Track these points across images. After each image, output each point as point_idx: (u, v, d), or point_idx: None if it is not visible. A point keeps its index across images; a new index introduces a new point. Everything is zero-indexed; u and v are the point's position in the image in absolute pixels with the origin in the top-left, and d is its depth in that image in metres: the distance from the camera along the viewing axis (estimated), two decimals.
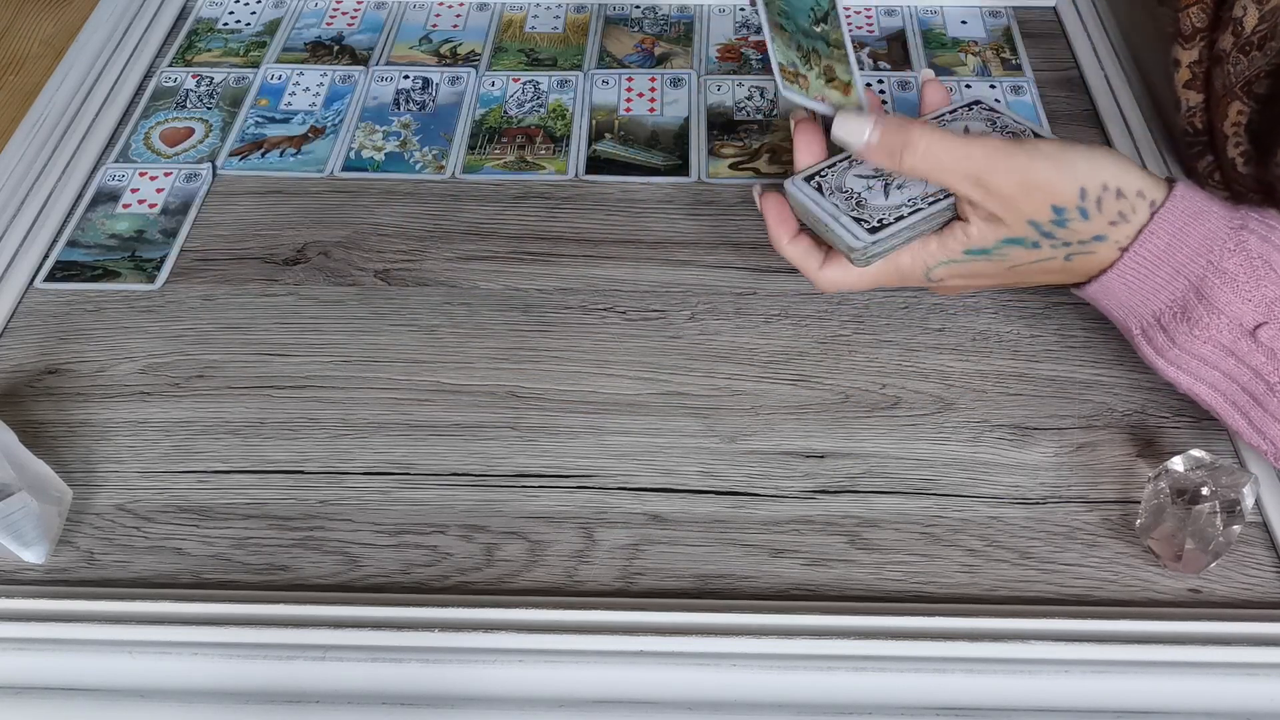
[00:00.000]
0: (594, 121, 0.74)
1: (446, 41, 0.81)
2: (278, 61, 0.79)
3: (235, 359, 0.60)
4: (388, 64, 0.79)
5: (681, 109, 0.75)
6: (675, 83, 0.77)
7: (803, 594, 0.50)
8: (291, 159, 0.72)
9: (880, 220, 0.51)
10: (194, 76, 0.78)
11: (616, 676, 0.47)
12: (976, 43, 0.80)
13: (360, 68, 0.78)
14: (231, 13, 0.84)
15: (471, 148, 0.72)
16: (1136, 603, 0.50)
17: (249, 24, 0.83)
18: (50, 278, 0.64)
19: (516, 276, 0.65)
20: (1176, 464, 0.50)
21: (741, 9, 0.83)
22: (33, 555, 0.50)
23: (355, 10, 0.84)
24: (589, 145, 0.72)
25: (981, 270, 0.53)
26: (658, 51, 0.80)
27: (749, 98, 0.75)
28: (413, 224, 0.68)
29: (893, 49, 0.79)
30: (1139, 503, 0.52)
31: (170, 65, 0.79)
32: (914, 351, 0.60)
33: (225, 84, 0.77)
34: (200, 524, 0.53)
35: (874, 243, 0.51)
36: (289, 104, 0.75)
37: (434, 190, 0.70)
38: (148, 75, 0.78)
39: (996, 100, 0.70)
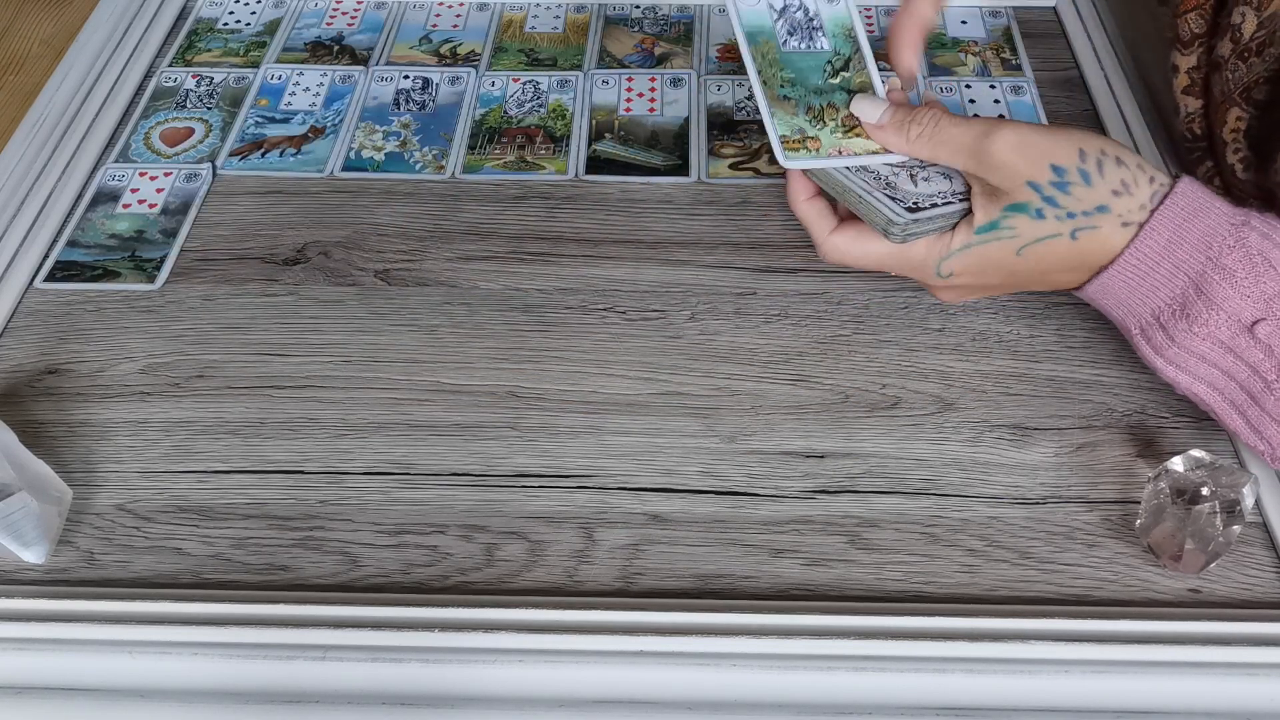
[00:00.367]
0: (594, 121, 0.74)
1: (446, 41, 0.81)
2: (278, 61, 0.79)
3: (235, 359, 0.60)
4: (388, 64, 0.79)
5: (681, 109, 0.75)
6: (675, 83, 0.77)
7: (803, 594, 0.50)
8: (291, 159, 0.72)
9: (916, 203, 0.52)
10: (194, 76, 0.78)
11: (616, 676, 0.47)
12: (976, 43, 0.80)
13: (360, 68, 0.78)
14: (231, 13, 0.84)
15: (471, 148, 0.72)
16: (1136, 603, 0.50)
17: (249, 24, 0.83)
18: (50, 278, 0.64)
19: (516, 276, 0.65)
20: (1176, 464, 0.50)
21: None
22: (33, 555, 0.50)
23: (355, 10, 0.84)
24: (589, 145, 0.72)
25: (991, 260, 0.52)
26: (658, 51, 0.80)
27: (749, 98, 0.75)
28: (413, 224, 0.68)
29: None
30: (1139, 503, 0.52)
31: (170, 65, 0.79)
32: (914, 351, 0.60)
33: (225, 84, 0.77)
34: (200, 524, 0.53)
35: (914, 220, 0.51)
36: (289, 104, 0.75)
37: (434, 190, 0.70)
38: (148, 75, 0.78)
39: (996, 103, 0.71)
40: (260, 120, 0.74)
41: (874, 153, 0.54)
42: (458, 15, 0.83)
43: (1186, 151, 0.67)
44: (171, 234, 0.67)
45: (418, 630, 0.48)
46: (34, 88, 0.78)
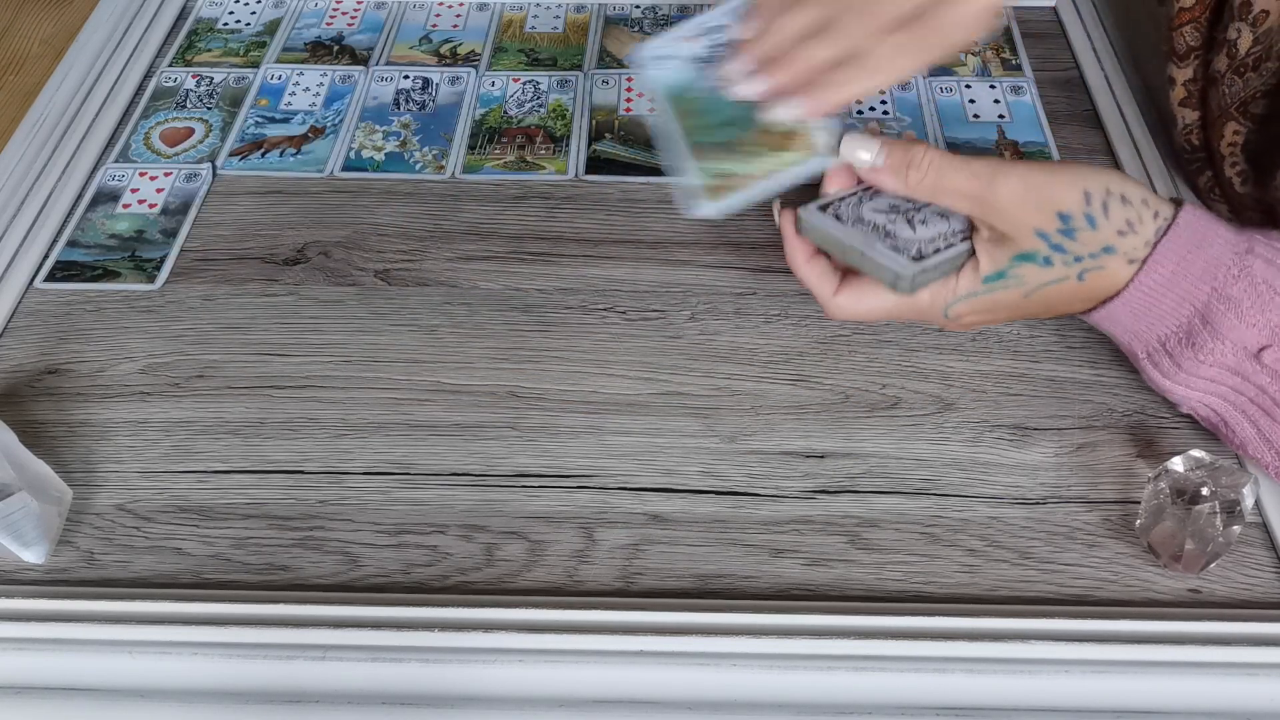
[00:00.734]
0: (594, 121, 0.74)
1: (446, 41, 0.81)
2: (278, 61, 0.79)
3: (235, 359, 0.60)
4: (388, 64, 0.79)
5: None
6: None
7: (803, 594, 0.50)
8: (291, 159, 0.72)
9: (920, 250, 0.51)
10: (194, 76, 0.78)
11: (616, 676, 0.47)
12: (976, 43, 0.80)
13: (360, 68, 0.78)
14: (231, 13, 0.84)
15: (471, 148, 0.72)
16: (1136, 603, 0.50)
17: (249, 24, 0.83)
18: (50, 278, 0.64)
19: (516, 276, 0.65)
20: (1176, 464, 0.50)
21: None
22: (33, 555, 0.50)
23: (355, 10, 0.84)
24: (589, 145, 0.72)
25: (999, 302, 0.52)
26: None
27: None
28: (413, 224, 0.68)
29: None
30: (1139, 503, 0.52)
31: (170, 65, 0.79)
32: (914, 351, 0.60)
33: (225, 84, 0.77)
34: (200, 524, 0.53)
35: (921, 271, 0.50)
36: (289, 104, 0.75)
37: (434, 190, 0.70)
38: (148, 75, 0.78)
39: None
40: (260, 120, 0.74)
41: (794, 165, 0.53)
42: (458, 15, 0.83)
43: (1186, 162, 0.67)
44: (171, 234, 0.67)
45: (418, 630, 0.48)
46: (34, 88, 0.78)
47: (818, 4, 0.53)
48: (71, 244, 0.66)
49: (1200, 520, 0.49)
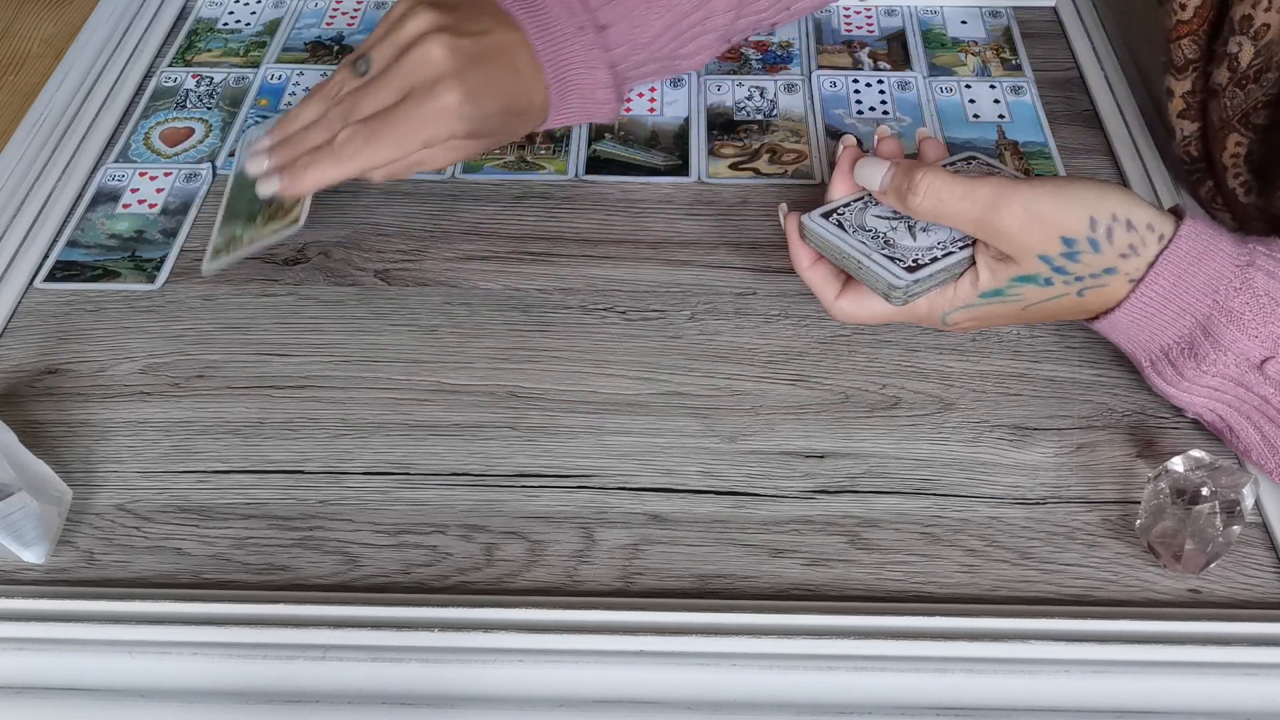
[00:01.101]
0: None
1: None
2: (278, 61, 0.79)
3: (235, 359, 0.60)
4: None
5: (681, 109, 0.75)
6: (675, 83, 0.77)
7: (802, 594, 0.50)
8: None
9: (916, 260, 0.52)
10: (194, 76, 0.78)
11: (616, 676, 0.47)
12: (976, 43, 0.80)
13: None
14: (231, 13, 0.84)
15: None
16: (1136, 603, 0.50)
17: (249, 24, 0.83)
18: (50, 278, 0.64)
19: (516, 276, 0.65)
20: (1176, 464, 0.50)
21: None
22: (33, 555, 0.50)
23: (355, 10, 0.84)
24: (589, 145, 0.72)
25: (997, 313, 0.53)
26: None
27: (749, 98, 0.75)
28: (413, 224, 0.68)
29: (893, 49, 0.79)
30: (1139, 503, 0.52)
31: (170, 65, 0.79)
32: (914, 351, 0.60)
33: (225, 84, 0.77)
34: (200, 524, 0.53)
35: (914, 282, 0.51)
36: (289, 104, 0.75)
37: (434, 190, 0.70)
38: (148, 75, 0.78)
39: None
40: (260, 120, 0.74)
41: (273, 234, 0.59)
42: None
43: (1187, 173, 0.67)
44: (171, 234, 0.67)
45: (418, 630, 0.48)
46: (34, 88, 0.78)
47: (321, 99, 0.60)
48: (71, 244, 0.66)
49: (1200, 520, 0.49)
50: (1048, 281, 0.50)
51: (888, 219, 0.54)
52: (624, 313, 0.62)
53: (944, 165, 0.56)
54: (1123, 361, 0.59)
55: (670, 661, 0.47)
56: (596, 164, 0.71)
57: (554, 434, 0.57)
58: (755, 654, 0.47)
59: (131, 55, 0.79)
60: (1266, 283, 0.48)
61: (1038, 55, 0.79)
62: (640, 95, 0.76)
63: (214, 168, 0.71)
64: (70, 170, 0.70)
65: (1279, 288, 0.48)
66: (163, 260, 0.65)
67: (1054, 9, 0.83)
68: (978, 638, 0.47)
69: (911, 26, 0.81)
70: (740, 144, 0.72)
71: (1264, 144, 0.62)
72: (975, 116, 0.74)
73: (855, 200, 0.55)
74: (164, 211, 0.68)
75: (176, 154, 0.72)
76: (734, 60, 0.79)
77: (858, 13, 0.82)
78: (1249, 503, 0.49)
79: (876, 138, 0.58)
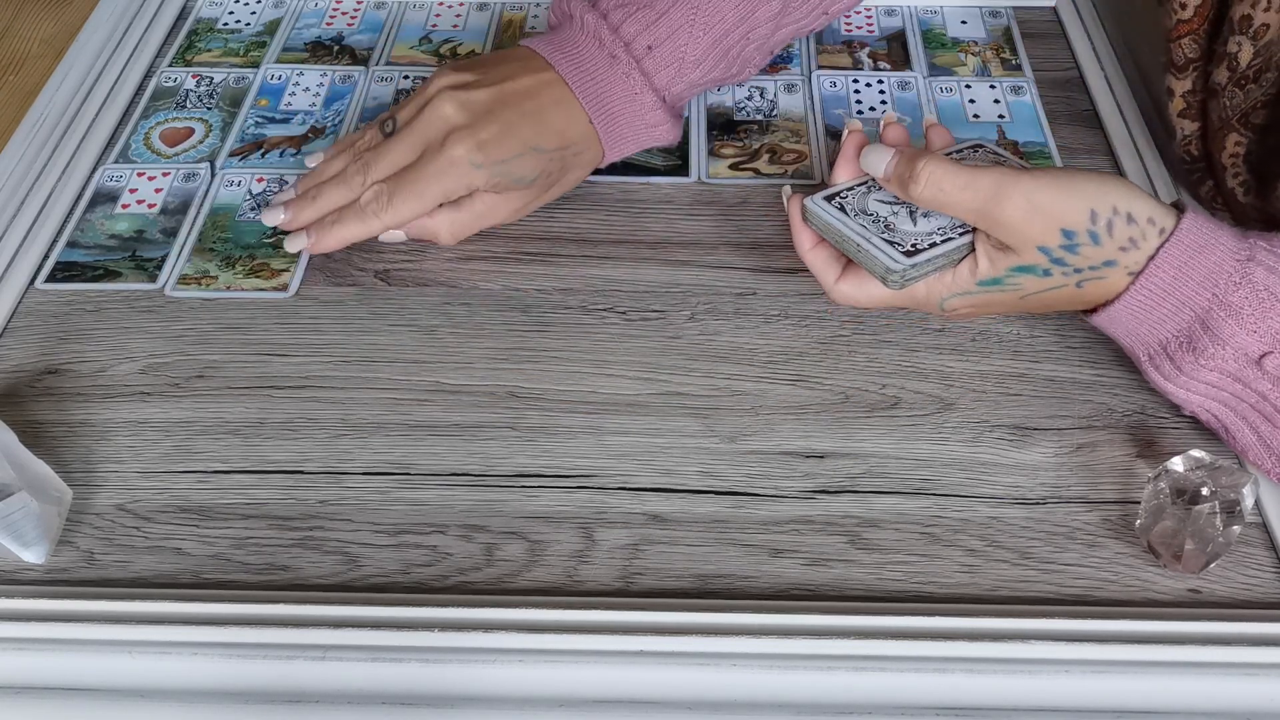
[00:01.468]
0: None
1: (446, 42, 0.81)
2: (278, 61, 0.79)
3: (235, 359, 0.60)
4: (388, 64, 0.79)
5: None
6: None
7: (802, 594, 0.50)
8: (291, 159, 0.71)
9: (914, 245, 0.52)
10: (194, 76, 0.78)
11: (616, 676, 0.47)
12: (976, 43, 0.80)
13: (360, 68, 0.78)
14: (231, 13, 0.84)
15: None
16: (1136, 603, 0.50)
17: (249, 24, 0.83)
18: (50, 278, 0.64)
19: (516, 276, 0.65)
20: (1176, 464, 0.50)
21: None
22: (33, 555, 0.50)
23: (355, 10, 0.84)
24: None
25: (994, 300, 0.53)
26: None
27: (749, 98, 0.75)
28: None
29: (893, 49, 0.79)
30: (1139, 503, 0.52)
31: (170, 65, 0.79)
32: (914, 351, 0.60)
33: (225, 84, 0.77)
34: (200, 524, 0.53)
35: (912, 266, 0.52)
36: (289, 104, 0.75)
37: None
38: (148, 75, 0.78)
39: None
40: (260, 120, 0.74)
41: (251, 290, 0.61)
42: (458, 15, 0.83)
43: (1187, 172, 0.67)
44: (171, 234, 0.67)
45: (418, 630, 0.48)
46: (34, 88, 0.78)
47: (342, 157, 0.63)
48: (71, 244, 0.66)
49: (1200, 520, 0.49)
50: (1046, 273, 0.51)
51: (889, 204, 0.54)
52: (624, 313, 0.62)
53: (949, 153, 0.57)
54: (1123, 361, 0.59)
55: (670, 661, 0.47)
56: None
57: (554, 434, 0.57)
58: (755, 654, 0.47)
59: (131, 55, 0.79)
60: (1266, 278, 0.48)
61: (1038, 55, 0.79)
62: None
63: (213, 168, 0.71)
64: (70, 170, 0.70)
65: (1276, 282, 0.48)
66: (163, 260, 0.65)
67: (1054, 9, 0.83)
68: (978, 638, 0.48)
69: (911, 26, 0.81)
70: (740, 144, 0.72)
71: (1262, 144, 0.62)
72: (975, 116, 0.74)
73: (859, 184, 0.56)
74: (163, 211, 0.68)
75: (176, 154, 0.72)
76: None
77: (858, 13, 0.82)
78: (1249, 502, 0.49)
79: (883, 124, 0.58)
